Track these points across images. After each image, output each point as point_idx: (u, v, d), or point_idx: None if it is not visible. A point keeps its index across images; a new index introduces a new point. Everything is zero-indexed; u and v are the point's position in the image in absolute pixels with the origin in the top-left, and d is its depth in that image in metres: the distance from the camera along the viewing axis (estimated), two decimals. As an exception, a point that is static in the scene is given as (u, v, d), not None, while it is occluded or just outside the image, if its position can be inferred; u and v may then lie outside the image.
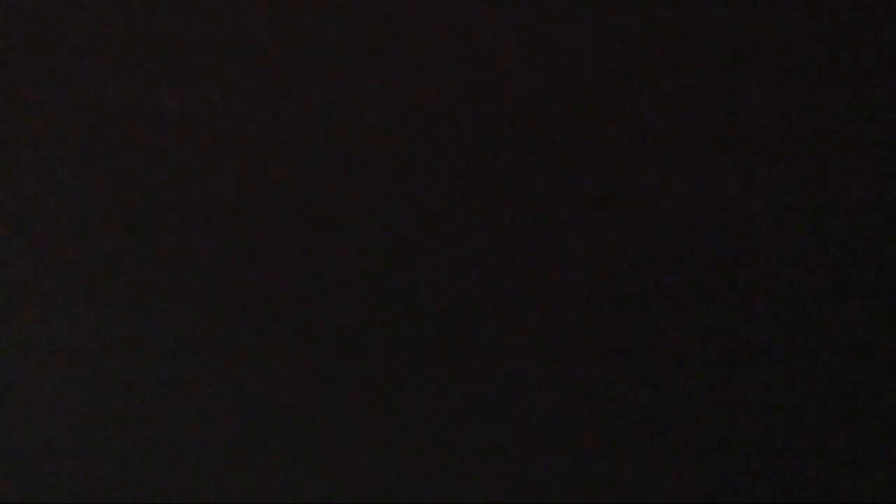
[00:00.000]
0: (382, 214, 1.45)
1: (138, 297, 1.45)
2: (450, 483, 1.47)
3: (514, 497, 1.47)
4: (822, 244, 1.45)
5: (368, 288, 1.45)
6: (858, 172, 1.45)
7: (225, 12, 1.44)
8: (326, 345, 1.46)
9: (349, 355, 1.46)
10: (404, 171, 1.45)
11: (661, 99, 1.45)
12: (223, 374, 1.46)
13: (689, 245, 1.45)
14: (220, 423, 1.46)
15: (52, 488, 1.46)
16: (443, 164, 1.45)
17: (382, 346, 1.46)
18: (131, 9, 1.43)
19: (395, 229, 1.45)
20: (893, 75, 1.44)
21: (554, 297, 1.45)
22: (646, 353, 1.46)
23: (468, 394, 1.46)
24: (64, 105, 1.44)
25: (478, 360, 1.46)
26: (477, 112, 1.45)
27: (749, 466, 1.47)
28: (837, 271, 1.45)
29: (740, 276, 1.46)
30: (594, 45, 1.44)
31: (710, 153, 1.45)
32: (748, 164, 1.45)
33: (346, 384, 1.46)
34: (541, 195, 1.45)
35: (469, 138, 1.45)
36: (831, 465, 1.46)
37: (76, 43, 1.44)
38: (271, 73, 1.45)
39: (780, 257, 1.45)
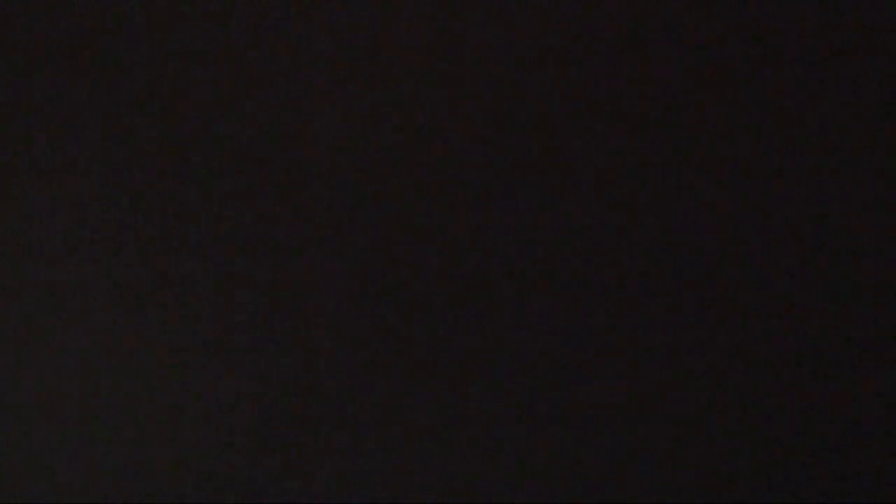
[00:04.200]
0: (380, 215, 1.45)
1: (139, 297, 1.45)
2: (450, 483, 1.47)
3: (514, 497, 1.47)
4: (821, 244, 1.45)
5: (368, 288, 1.45)
6: (858, 173, 1.45)
7: (223, 14, 1.45)
8: (327, 346, 1.46)
9: (349, 355, 1.46)
10: (402, 172, 1.45)
11: (658, 99, 1.45)
12: (223, 375, 1.46)
13: (687, 245, 1.45)
14: (220, 423, 1.46)
15: (54, 488, 1.46)
16: (440, 164, 1.45)
17: (382, 346, 1.46)
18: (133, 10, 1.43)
19: (393, 229, 1.45)
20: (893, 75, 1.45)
21: (552, 297, 1.45)
22: (645, 354, 1.46)
23: (468, 394, 1.46)
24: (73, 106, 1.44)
25: (477, 360, 1.46)
26: (473, 112, 1.45)
27: (748, 467, 1.47)
28: (837, 272, 1.46)
29: (739, 277, 1.46)
30: (593, 45, 1.44)
31: (709, 154, 1.45)
32: (747, 165, 1.45)
33: (347, 385, 1.46)
34: (537, 195, 1.45)
35: (466, 139, 1.45)
36: (831, 464, 1.46)
37: (79, 43, 1.44)
38: (266, 74, 1.45)
39: (780, 257, 1.46)
